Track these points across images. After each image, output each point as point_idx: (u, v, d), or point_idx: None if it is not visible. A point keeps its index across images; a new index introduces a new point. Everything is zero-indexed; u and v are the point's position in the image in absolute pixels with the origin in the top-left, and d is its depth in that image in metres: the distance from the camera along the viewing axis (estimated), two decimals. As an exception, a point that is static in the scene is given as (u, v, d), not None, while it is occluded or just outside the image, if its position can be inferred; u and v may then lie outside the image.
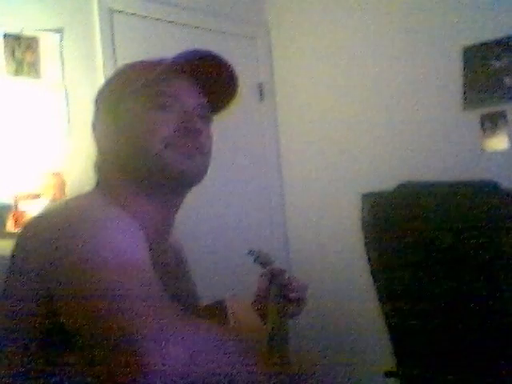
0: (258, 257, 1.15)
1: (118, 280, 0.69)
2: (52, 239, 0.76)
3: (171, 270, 1.00)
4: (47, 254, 0.76)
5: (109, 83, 0.99)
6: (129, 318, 0.63)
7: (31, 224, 0.85)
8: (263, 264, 1.14)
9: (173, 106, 0.91)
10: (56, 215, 0.83)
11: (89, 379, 0.76)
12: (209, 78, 0.94)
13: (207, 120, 0.97)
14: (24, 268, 0.79)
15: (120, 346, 0.62)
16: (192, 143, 0.91)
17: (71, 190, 1.99)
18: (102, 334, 0.64)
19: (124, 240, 0.76)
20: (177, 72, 0.92)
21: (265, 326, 0.97)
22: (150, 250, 0.82)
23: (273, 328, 0.93)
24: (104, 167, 0.96)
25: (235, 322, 1.00)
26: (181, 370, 0.61)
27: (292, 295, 1.07)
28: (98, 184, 0.97)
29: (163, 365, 0.60)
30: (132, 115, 0.92)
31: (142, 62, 0.96)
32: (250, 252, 1.16)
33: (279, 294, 1.06)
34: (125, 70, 0.98)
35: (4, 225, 1.87)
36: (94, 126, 0.98)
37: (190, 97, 0.93)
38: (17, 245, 0.83)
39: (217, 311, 1.04)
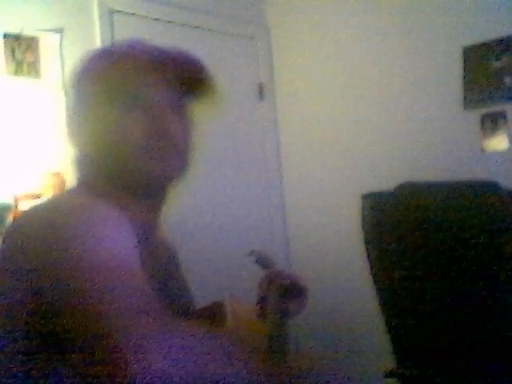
0: (259, 258, 1.15)
1: (105, 282, 0.68)
2: (40, 237, 0.75)
3: (162, 267, 0.99)
4: (35, 251, 0.74)
5: (84, 73, 0.94)
6: (114, 323, 0.63)
7: (19, 221, 0.84)
8: (264, 265, 1.14)
9: (143, 107, 0.89)
10: (44, 212, 0.82)
11: (88, 379, 0.76)
12: (181, 73, 0.92)
13: (183, 113, 0.93)
14: (12, 266, 0.78)
15: (105, 352, 0.61)
16: (164, 144, 0.89)
17: (71, 190, 1.99)
18: (87, 337, 0.64)
19: (113, 239, 0.75)
20: (148, 69, 0.90)
21: (265, 327, 0.97)
22: (140, 246, 0.80)
23: (273, 328, 0.93)
24: (84, 165, 0.95)
25: (234, 322, 1.00)
26: (166, 379, 0.60)
27: (292, 296, 1.07)
28: (79, 181, 0.95)
29: (149, 374, 0.59)
30: (104, 118, 0.90)
31: (118, 56, 0.92)
32: (252, 253, 1.16)
33: (279, 294, 1.06)
34: (101, 62, 0.93)
35: (4, 225, 1.87)
36: (70, 119, 0.95)
37: (159, 95, 0.90)
38: (4, 242, 0.82)
39: (216, 312, 1.04)
